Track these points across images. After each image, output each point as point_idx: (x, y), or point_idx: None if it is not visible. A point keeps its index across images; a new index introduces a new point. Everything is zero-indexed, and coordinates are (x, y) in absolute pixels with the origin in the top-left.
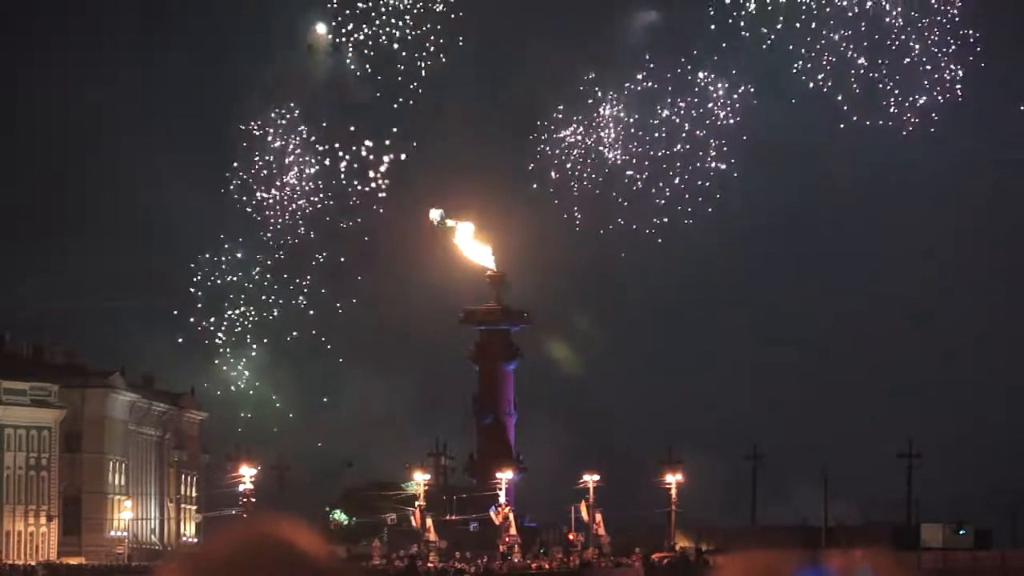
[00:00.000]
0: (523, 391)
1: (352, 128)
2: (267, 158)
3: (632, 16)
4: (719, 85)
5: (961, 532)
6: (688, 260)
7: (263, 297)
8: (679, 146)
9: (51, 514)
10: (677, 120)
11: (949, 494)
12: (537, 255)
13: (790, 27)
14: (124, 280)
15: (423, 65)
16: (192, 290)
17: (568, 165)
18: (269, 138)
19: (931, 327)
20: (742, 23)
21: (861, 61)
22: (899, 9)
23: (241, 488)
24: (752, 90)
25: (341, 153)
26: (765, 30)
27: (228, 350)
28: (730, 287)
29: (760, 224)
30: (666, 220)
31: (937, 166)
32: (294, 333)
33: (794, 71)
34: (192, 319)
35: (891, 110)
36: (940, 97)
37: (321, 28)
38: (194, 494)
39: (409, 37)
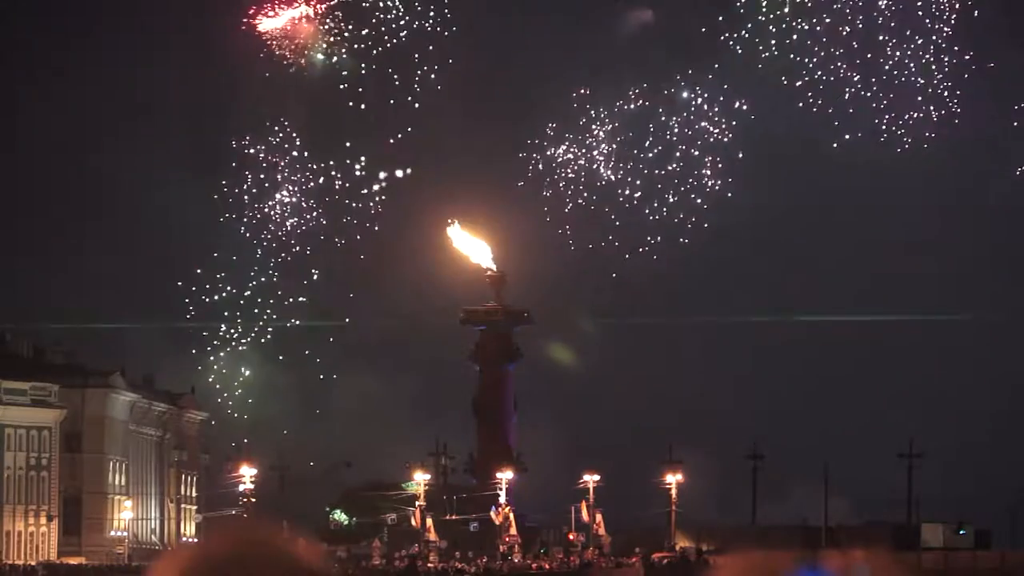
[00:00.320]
0: (523, 391)
1: (348, 144)
2: (259, 176)
3: (627, 16)
4: (713, 103)
5: (961, 532)
6: (688, 260)
7: (260, 300)
8: (673, 165)
9: (51, 514)
10: (671, 138)
11: (949, 494)
12: (537, 255)
13: (783, 45)
14: (124, 282)
15: (417, 82)
16: (187, 300)
17: (561, 184)
18: (261, 155)
19: (931, 327)
20: (735, 42)
21: (855, 78)
22: (892, 26)
23: (241, 488)
24: (745, 107)
25: (335, 174)
26: (760, 47)
27: (228, 350)
28: (730, 287)
29: (760, 225)
30: (659, 239)
31: (933, 178)
32: (295, 324)
33: (787, 88)
34: (191, 319)
35: (882, 126)
36: (934, 114)
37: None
38: (194, 494)
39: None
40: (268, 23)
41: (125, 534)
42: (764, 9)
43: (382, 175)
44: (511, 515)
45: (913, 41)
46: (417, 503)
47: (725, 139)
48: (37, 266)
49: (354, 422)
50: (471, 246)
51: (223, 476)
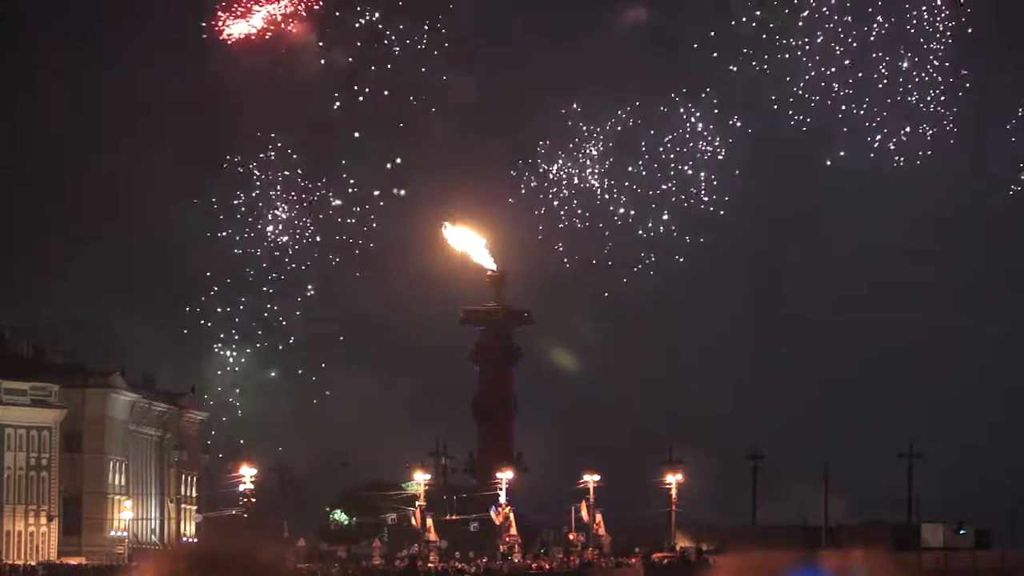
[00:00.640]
0: (523, 391)
1: (343, 161)
2: (252, 194)
3: (621, 15)
4: (707, 120)
5: (961, 532)
6: (687, 262)
7: (258, 305)
8: (666, 184)
9: (51, 514)
10: (664, 156)
11: (949, 494)
12: (537, 255)
13: (777, 62)
14: (124, 282)
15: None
16: (187, 299)
17: (556, 203)
18: (255, 173)
19: (931, 327)
20: (730, 59)
21: (848, 95)
22: (885, 44)
23: (241, 488)
24: (739, 124)
25: (330, 193)
26: (754, 64)
27: (228, 349)
28: (730, 287)
29: (760, 229)
30: (654, 258)
31: (928, 191)
32: (292, 332)
33: (781, 105)
34: (191, 319)
35: (875, 143)
36: (927, 131)
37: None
38: (194, 494)
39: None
40: (238, 27)
41: (125, 534)
42: (759, 23)
43: (376, 192)
44: (511, 515)
45: (906, 59)
46: (417, 503)
47: (720, 156)
48: (37, 266)
49: (354, 422)
50: (470, 245)
51: (223, 476)
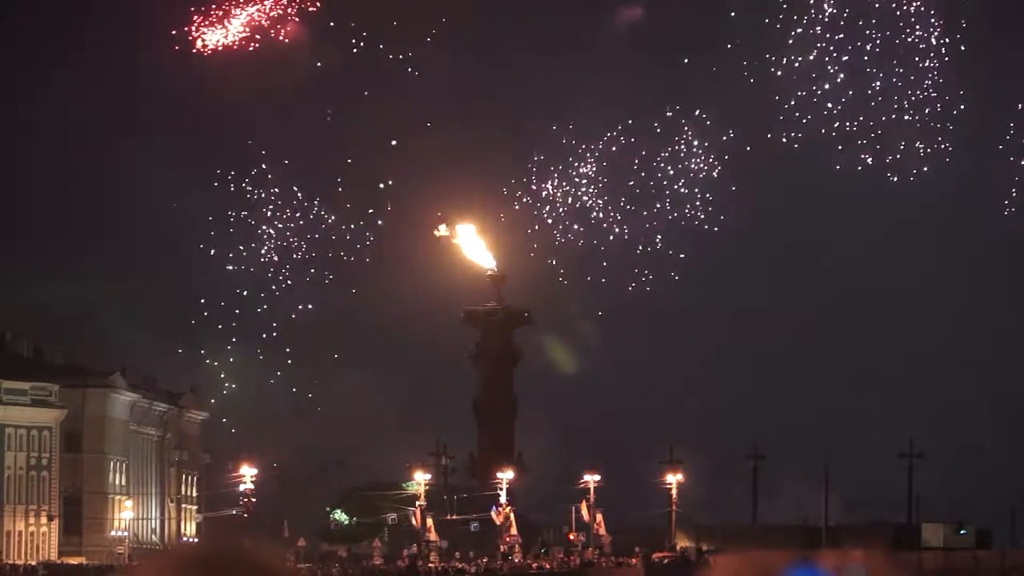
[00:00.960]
0: (523, 391)
1: (339, 180)
2: (243, 213)
3: (616, 15)
4: (702, 137)
5: (962, 532)
6: (687, 263)
7: (258, 309)
8: (660, 204)
9: (52, 514)
10: (660, 175)
11: (949, 494)
12: (537, 255)
13: (771, 80)
14: (124, 281)
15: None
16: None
17: (550, 221)
18: (249, 191)
19: (931, 327)
20: (723, 76)
21: (842, 112)
22: (879, 61)
23: (241, 488)
24: (733, 136)
25: (324, 213)
26: (751, 80)
27: (228, 349)
28: (730, 287)
29: (758, 231)
30: (651, 276)
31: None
32: (292, 332)
33: (776, 122)
34: (191, 318)
35: (869, 160)
36: (921, 149)
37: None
38: (195, 494)
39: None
40: (214, 35)
41: (125, 534)
42: (751, 40)
43: (370, 211)
44: (511, 515)
45: (899, 75)
46: (417, 503)
47: (715, 173)
48: (37, 266)
49: (354, 422)
50: (470, 245)
51: (223, 476)
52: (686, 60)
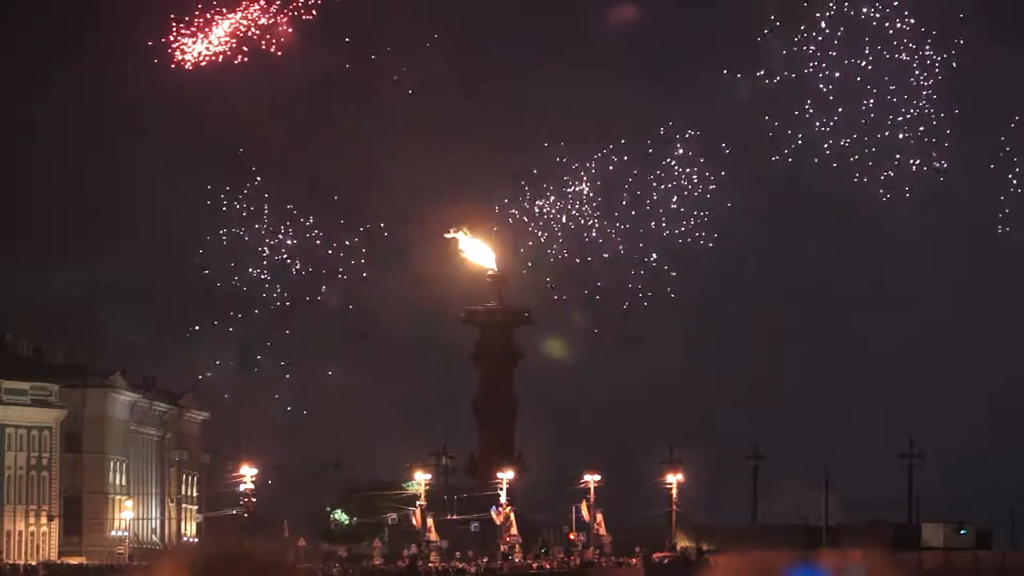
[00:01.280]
0: (523, 391)
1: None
2: (236, 231)
3: (609, 15)
4: (696, 156)
5: (963, 532)
6: (686, 263)
7: (257, 311)
8: (654, 222)
9: (52, 514)
10: (655, 195)
11: (949, 494)
12: (537, 255)
13: (764, 100)
14: (124, 281)
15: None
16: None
17: (543, 238)
18: (240, 207)
19: (932, 327)
20: (716, 94)
21: (835, 130)
22: (873, 79)
23: (241, 488)
24: (727, 151)
25: (319, 232)
26: (742, 100)
27: (228, 349)
28: (729, 287)
29: (759, 232)
30: (650, 294)
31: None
32: (292, 332)
33: (768, 142)
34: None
35: (864, 179)
36: (913, 166)
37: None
38: (195, 494)
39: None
40: (195, 46)
41: (126, 534)
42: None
43: (361, 229)
44: (511, 515)
45: (893, 93)
46: (418, 503)
47: (708, 195)
48: (37, 266)
49: (354, 422)
50: (471, 248)
51: (223, 476)
52: (679, 78)
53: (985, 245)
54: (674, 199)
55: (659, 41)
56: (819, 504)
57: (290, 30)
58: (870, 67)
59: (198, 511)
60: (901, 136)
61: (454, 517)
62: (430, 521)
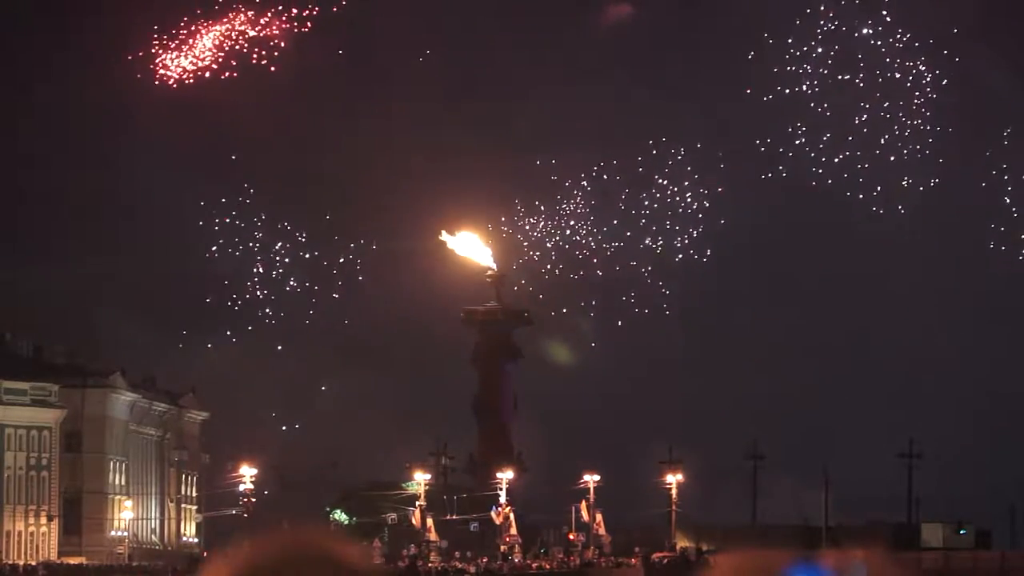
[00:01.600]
0: (523, 391)
1: (327, 216)
2: (234, 251)
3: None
4: (689, 175)
5: (962, 532)
6: (686, 264)
7: (259, 312)
8: (648, 239)
9: (51, 514)
10: (648, 213)
11: (949, 494)
12: (537, 255)
13: (756, 117)
14: (124, 281)
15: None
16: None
17: (537, 256)
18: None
19: (931, 327)
20: (710, 111)
21: (830, 147)
22: (867, 96)
23: (241, 488)
24: (722, 167)
25: (317, 252)
26: (737, 117)
27: (228, 349)
28: (729, 287)
29: (758, 232)
30: (647, 311)
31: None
32: (292, 332)
33: (762, 158)
34: (192, 318)
35: (859, 196)
36: (906, 182)
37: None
38: (194, 494)
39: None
40: (179, 61)
41: (125, 534)
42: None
43: (353, 245)
44: (511, 515)
45: (887, 110)
46: (417, 503)
47: (700, 215)
48: (37, 266)
49: (354, 422)
50: (470, 247)
51: (223, 476)
52: (675, 93)
53: (980, 257)
54: (668, 214)
55: (653, 59)
56: (819, 504)
57: (283, 44)
58: (863, 84)
59: (198, 511)
60: (893, 157)
61: (454, 517)
62: (430, 521)
